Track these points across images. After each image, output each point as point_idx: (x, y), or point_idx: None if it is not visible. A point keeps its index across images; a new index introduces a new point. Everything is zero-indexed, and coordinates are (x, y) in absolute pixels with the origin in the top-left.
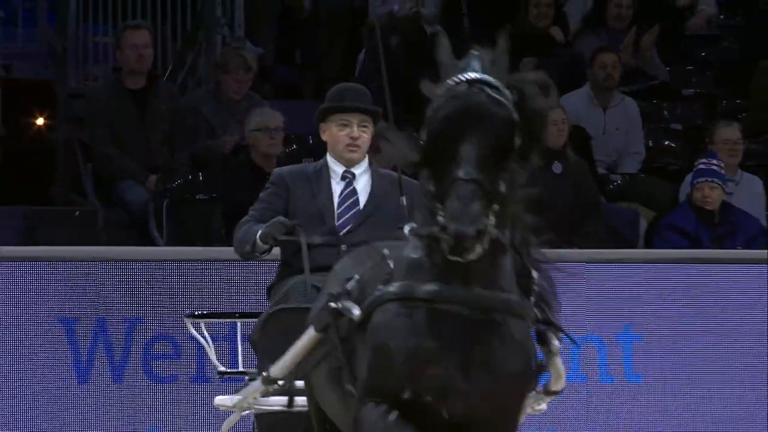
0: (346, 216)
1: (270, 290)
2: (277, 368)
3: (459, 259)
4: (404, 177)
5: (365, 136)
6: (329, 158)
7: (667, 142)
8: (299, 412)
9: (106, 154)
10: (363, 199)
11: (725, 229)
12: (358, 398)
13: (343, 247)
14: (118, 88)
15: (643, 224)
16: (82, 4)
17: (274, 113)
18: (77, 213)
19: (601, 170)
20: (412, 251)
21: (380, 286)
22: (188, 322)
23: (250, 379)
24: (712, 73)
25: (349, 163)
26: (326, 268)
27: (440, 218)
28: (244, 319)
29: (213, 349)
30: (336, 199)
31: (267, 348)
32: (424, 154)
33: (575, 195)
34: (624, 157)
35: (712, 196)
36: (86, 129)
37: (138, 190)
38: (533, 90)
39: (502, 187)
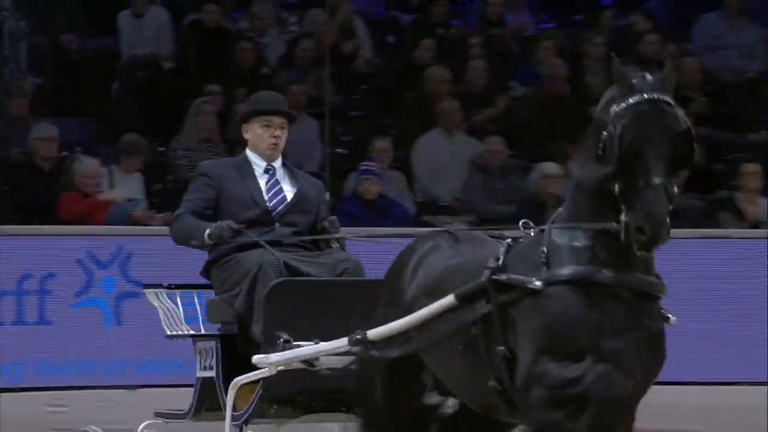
0: (274, 202)
1: (211, 265)
2: (377, 332)
3: (645, 253)
4: (317, 180)
5: (283, 136)
6: (250, 154)
7: (339, 150)
8: (300, 370)
9: None
10: (286, 188)
11: (380, 212)
12: (534, 353)
13: (277, 225)
14: None
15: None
16: None
17: (51, 127)
18: None
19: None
20: (574, 240)
21: (546, 268)
22: (146, 292)
23: (284, 342)
24: (372, 100)
25: (269, 159)
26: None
27: (625, 217)
28: (196, 290)
29: (168, 317)
30: (263, 188)
31: (279, 314)
32: (617, 164)
33: None
34: (307, 161)
35: (370, 189)
36: None
37: None
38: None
39: (676, 189)
